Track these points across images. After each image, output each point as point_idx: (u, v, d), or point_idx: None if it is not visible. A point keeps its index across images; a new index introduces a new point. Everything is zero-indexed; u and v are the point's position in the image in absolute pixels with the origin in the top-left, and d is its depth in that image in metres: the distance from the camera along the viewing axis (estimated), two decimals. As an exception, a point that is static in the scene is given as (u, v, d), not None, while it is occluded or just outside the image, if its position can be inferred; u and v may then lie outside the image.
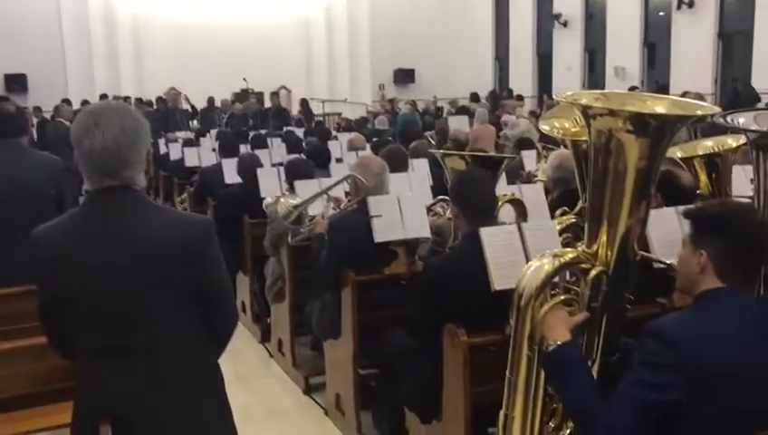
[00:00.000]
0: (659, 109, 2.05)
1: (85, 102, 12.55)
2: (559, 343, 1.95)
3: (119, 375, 1.80)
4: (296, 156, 5.52)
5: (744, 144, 3.66)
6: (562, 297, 2.08)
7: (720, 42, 13.19)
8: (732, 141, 3.67)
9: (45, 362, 2.60)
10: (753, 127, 2.51)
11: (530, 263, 2.10)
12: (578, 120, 2.89)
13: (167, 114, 12.12)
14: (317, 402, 4.19)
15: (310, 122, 11.56)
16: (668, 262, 2.21)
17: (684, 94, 9.11)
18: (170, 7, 17.82)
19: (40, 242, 1.81)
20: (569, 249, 2.20)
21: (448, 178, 3.77)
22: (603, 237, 2.06)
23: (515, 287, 2.07)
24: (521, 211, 3.20)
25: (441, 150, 3.89)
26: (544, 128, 3.17)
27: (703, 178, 3.52)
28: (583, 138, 2.88)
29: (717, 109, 2.24)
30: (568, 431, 2.15)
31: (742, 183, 3.70)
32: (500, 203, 3.05)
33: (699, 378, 1.73)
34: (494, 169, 3.37)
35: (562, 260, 2.05)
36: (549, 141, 5.59)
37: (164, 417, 1.83)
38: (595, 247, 2.08)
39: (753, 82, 11.80)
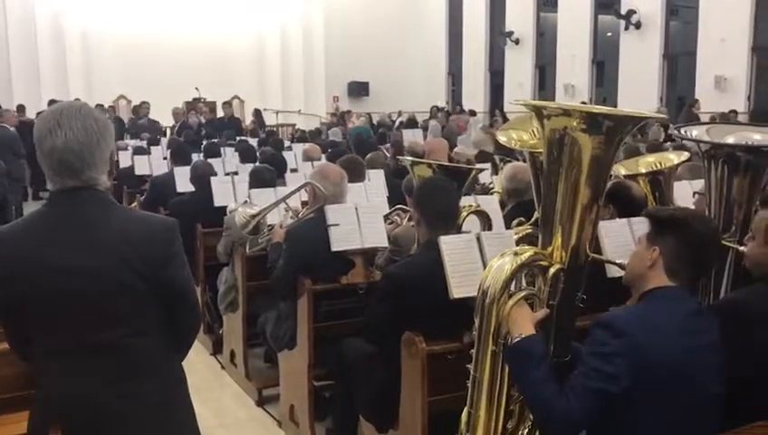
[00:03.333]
0: (608, 111, 2.11)
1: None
2: (524, 335, 2.00)
3: (79, 377, 1.76)
4: (260, 164, 5.46)
5: (685, 161, 3.80)
6: (525, 293, 2.12)
7: (665, 62, 13.64)
8: (674, 157, 3.79)
9: (11, 369, 2.49)
10: (706, 139, 2.61)
11: (491, 262, 2.13)
12: (535, 131, 2.94)
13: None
14: (270, 414, 4.13)
15: (262, 132, 11.45)
16: (618, 262, 2.28)
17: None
18: (121, 21, 17.51)
19: (0, 242, 1.77)
20: (528, 247, 2.24)
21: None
22: (557, 239, 2.12)
23: (480, 286, 2.09)
24: (485, 222, 3.22)
25: (411, 159, 3.88)
26: (502, 139, 3.21)
27: (647, 194, 3.63)
28: (540, 149, 2.93)
29: (664, 116, 2.33)
30: (526, 432, 2.18)
31: (685, 198, 3.82)
32: (465, 214, 3.07)
33: (645, 366, 1.84)
34: (461, 179, 3.37)
35: (523, 258, 2.09)
36: (505, 154, 5.67)
37: (125, 418, 1.79)
38: (550, 249, 2.13)
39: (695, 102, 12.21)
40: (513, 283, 2.14)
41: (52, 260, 1.72)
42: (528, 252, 2.14)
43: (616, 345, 1.85)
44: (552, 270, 2.10)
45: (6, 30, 16.41)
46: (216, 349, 5.00)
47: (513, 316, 2.03)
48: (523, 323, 2.02)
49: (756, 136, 2.67)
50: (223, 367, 4.84)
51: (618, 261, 2.26)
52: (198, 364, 4.88)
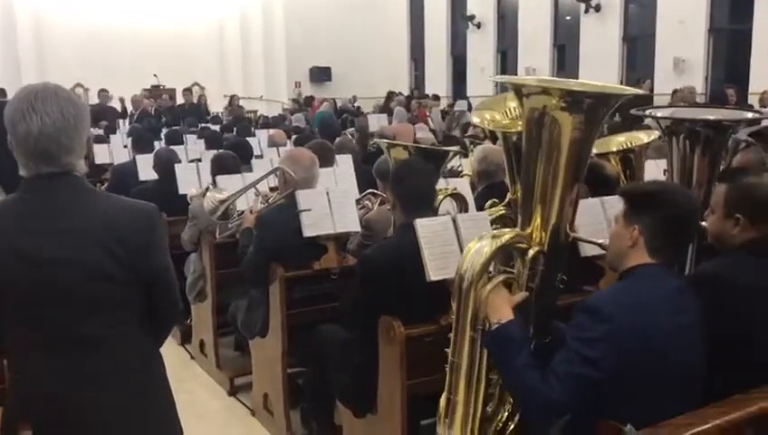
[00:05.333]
0: (589, 88, 2.10)
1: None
2: (503, 321, 1.97)
3: (54, 369, 1.70)
4: (222, 151, 5.35)
5: (655, 138, 3.84)
6: (502, 277, 2.09)
7: (625, 44, 13.80)
8: (644, 136, 3.83)
9: None
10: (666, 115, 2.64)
11: (469, 245, 2.10)
12: (508, 112, 2.92)
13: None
14: (243, 403, 4.07)
15: (240, 121, 11.12)
16: (600, 241, 2.26)
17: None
18: (74, 6, 17.05)
19: None
20: (506, 229, 2.22)
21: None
22: (537, 220, 2.10)
23: (457, 270, 2.06)
24: (462, 205, 3.19)
25: (387, 141, 3.83)
26: (475, 120, 3.18)
27: (618, 172, 3.67)
28: (513, 130, 2.92)
29: (644, 91, 2.33)
30: (506, 415, 2.17)
31: (654, 177, 3.87)
32: (441, 197, 3.04)
33: (627, 349, 1.83)
34: (438, 162, 3.33)
35: (501, 241, 2.06)
36: (474, 137, 5.67)
37: (103, 411, 1.74)
38: (529, 230, 2.12)
39: (654, 84, 12.39)
40: (492, 266, 2.13)
41: (27, 249, 1.64)
42: (507, 234, 2.12)
43: (599, 331, 1.83)
44: (531, 252, 2.08)
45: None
46: (185, 339, 4.92)
47: (490, 301, 2.01)
48: (501, 309, 2.00)
49: (716, 116, 2.72)
50: (192, 357, 4.76)
51: (599, 241, 2.25)
52: (167, 355, 4.66)
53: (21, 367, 1.76)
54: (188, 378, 4.47)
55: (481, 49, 16.74)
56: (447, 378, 2.14)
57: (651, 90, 11.59)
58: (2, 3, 16.57)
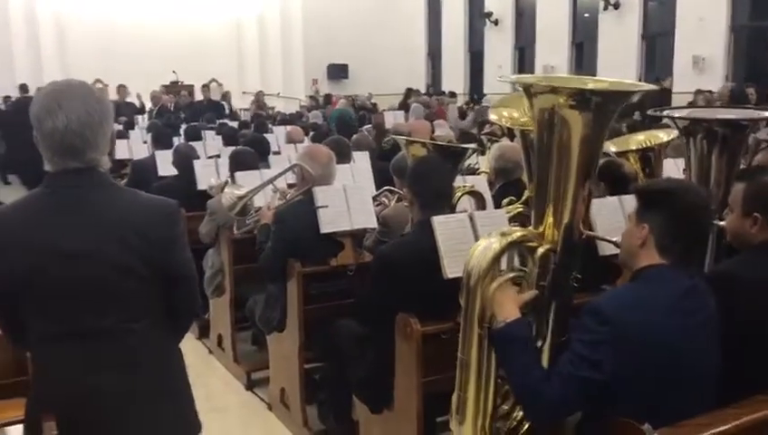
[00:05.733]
0: (598, 87, 2.09)
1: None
2: (508, 320, 1.97)
3: (77, 362, 1.73)
4: (240, 147, 5.39)
5: (675, 137, 3.83)
6: (511, 275, 2.08)
7: (643, 42, 13.69)
8: (663, 135, 3.82)
9: (2, 355, 2.45)
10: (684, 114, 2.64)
11: (478, 242, 2.10)
12: (526, 109, 2.92)
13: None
14: (260, 398, 4.11)
15: (258, 118, 11.15)
16: (613, 239, 2.25)
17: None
18: (95, 3, 17.21)
19: None
20: (516, 228, 2.22)
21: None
22: (549, 218, 2.08)
23: (464, 266, 2.07)
24: (479, 202, 3.20)
25: (405, 138, 3.85)
26: (493, 117, 3.19)
27: (637, 171, 3.65)
28: (531, 127, 2.91)
29: (653, 86, 2.32)
30: (521, 414, 2.17)
31: (673, 176, 3.85)
32: (459, 194, 3.04)
33: (633, 352, 1.81)
34: (456, 159, 3.33)
35: (510, 238, 2.05)
36: (491, 134, 5.66)
37: (123, 404, 1.77)
38: (542, 228, 2.10)
39: (673, 82, 12.28)
40: (504, 263, 2.13)
41: (51, 243, 1.68)
42: (516, 232, 2.11)
43: (602, 333, 1.81)
44: (540, 250, 2.06)
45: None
46: (203, 333, 4.96)
47: (496, 299, 2.00)
48: (508, 307, 1.98)
49: (733, 115, 2.70)
50: (210, 351, 4.80)
51: (613, 239, 2.24)
52: (185, 349, 4.78)
53: (43, 359, 1.79)
54: (206, 372, 4.51)
55: (498, 46, 16.67)
56: (457, 375, 2.14)
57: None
58: (25, 1, 16.74)
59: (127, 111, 11.74)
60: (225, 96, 14.68)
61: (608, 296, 1.98)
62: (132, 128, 9.19)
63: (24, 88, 12.73)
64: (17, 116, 10.80)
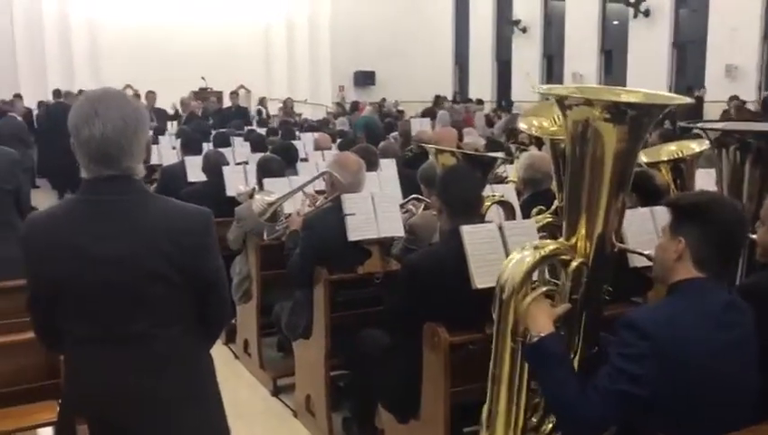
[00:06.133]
0: (632, 99, 2.07)
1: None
2: (542, 334, 1.95)
3: (109, 366, 1.75)
4: (267, 154, 5.43)
5: (707, 148, 3.77)
6: (544, 289, 2.08)
7: (674, 50, 13.54)
8: (695, 146, 3.76)
9: (34, 358, 2.49)
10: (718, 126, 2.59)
11: (511, 255, 2.09)
12: (556, 118, 2.90)
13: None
14: (286, 404, 4.12)
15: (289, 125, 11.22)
16: (646, 253, 2.22)
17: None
18: (126, 10, 17.53)
19: (33, 229, 1.77)
20: (549, 241, 2.20)
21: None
22: (582, 230, 2.07)
23: (497, 280, 2.06)
24: (509, 213, 3.18)
25: (434, 146, 3.85)
26: (522, 126, 3.17)
27: (669, 182, 3.60)
28: (561, 136, 2.89)
29: (689, 99, 2.29)
30: (550, 426, 2.15)
31: (706, 186, 3.78)
32: (488, 204, 3.03)
33: (672, 368, 1.79)
34: (485, 168, 3.32)
35: (543, 252, 2.05)
36: (519, 143, 5.63)
37: (154, 408, 1.79)
38: (574, 240, 2.09)
39: (706, 90, 12.12)
40: (536, 276, 2.11)
41: (87, 248, 1.70)
42: (550, 245, 2.10)
43: (642, 347, 1.79)
44: (574, 263, 2.05)
45: (12, 19, 16.41)
46: (230, 338, 4.99)
47: (531, 313, 1.98)
48: (542, 321, 1.97)
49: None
50: (236, 357, 4.83)
51: (646, 252, 2.21)
52: (212, 354, 4.85)
53: (76, 362, 1.82)
54: (232, 377, 4.53)
55: (526, 54, 16.62)
56: (489, 388, 2.13)
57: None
58: (58, 8, 17.08)
59: (157, 117, 11.90)
60: (262, 102, 14.77)
61: (645, 311, 1.97)
62: (163, 133, 9.30)
63: (57, 93, 12.97)
64: (50, 121, 11.02)
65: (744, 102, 11.04)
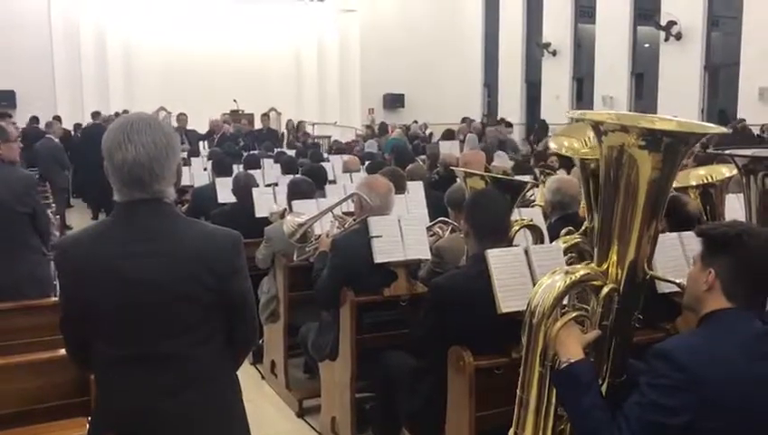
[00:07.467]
0: (669, 127, 2.06)
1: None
2: (572, 360, 1.94)
3: (139, 385, 1.79)
4: (298, 176, 5.50)
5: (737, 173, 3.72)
6: (574, 314, 2.06)
7: (706, 73, 13.40)
8: (725, 171, 3.72)
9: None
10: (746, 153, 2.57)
11: (541, 280, 2.08)
12: (587, 140, 2.89)
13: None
14: (311, 426, 4.12)
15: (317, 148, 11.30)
16: (678, 281, 2.19)
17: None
18: (161, 35, 17.93)
19: (66, 251, 1.82)
20: (580, 266, 2.18)
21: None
22: (613, 256, 2.05)
23: (527, 305, 2.05)
24: (538, 236, 3.18)
25: (464, 170, 3.86)
26: (553, 146, 3.17)
27: (700, 208, 3.55)
28: (592, 157, 2.88)
29: (725, 129, 2.27)
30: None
31: (735, 212, 3.73)
32: (517, 228, 3.03)
33: (707, 400, 1.75)
34: (514, 193, 3.33)
35: (574, 277, 2.03)
36: (546, 166, 5.61)
37: (182, 428, 1.82)
38: (605, 266, 2.07)
39: (738, 114, 11.97)
40: (566, 301, 2.10)
41: (118, 270, 1.75)
42: (581, 270, 2.07)
43: (676, 379, 1.77)
44: (605, 290, 2.03)
45: (51, 42, 16.83)
46: (257, 359, 5.02)
47: (561, 338, 1.97)
48: (572, 346, 1.95)
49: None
50: (263, 377, 4.85)
51: (678, 280, 2.18)
52: (239, 374, 4.88)
53: (107, 381, 1.85)
54: (259, 398, 4.56)
55: (556, 76, 16.57)
56: (515, 413, 2.11)
57: (740, 127, 11.11)
58: (95, 30, 17.51)
59: (188, 139, 12.08)
60: (300, 126, 14.92)
61: (678, 342, 1.92)
62: (197, 156, 9.43)
63: (95, 115, 13.27)
64: (85, 142, 11.28)
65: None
